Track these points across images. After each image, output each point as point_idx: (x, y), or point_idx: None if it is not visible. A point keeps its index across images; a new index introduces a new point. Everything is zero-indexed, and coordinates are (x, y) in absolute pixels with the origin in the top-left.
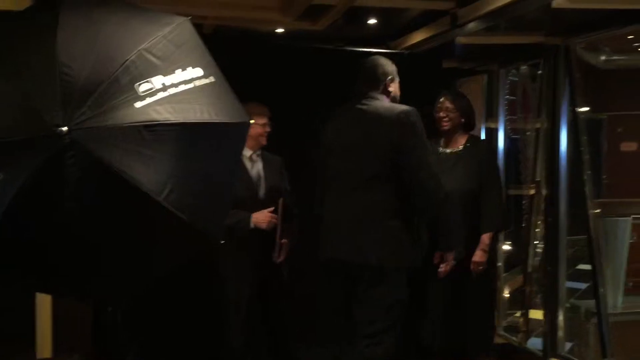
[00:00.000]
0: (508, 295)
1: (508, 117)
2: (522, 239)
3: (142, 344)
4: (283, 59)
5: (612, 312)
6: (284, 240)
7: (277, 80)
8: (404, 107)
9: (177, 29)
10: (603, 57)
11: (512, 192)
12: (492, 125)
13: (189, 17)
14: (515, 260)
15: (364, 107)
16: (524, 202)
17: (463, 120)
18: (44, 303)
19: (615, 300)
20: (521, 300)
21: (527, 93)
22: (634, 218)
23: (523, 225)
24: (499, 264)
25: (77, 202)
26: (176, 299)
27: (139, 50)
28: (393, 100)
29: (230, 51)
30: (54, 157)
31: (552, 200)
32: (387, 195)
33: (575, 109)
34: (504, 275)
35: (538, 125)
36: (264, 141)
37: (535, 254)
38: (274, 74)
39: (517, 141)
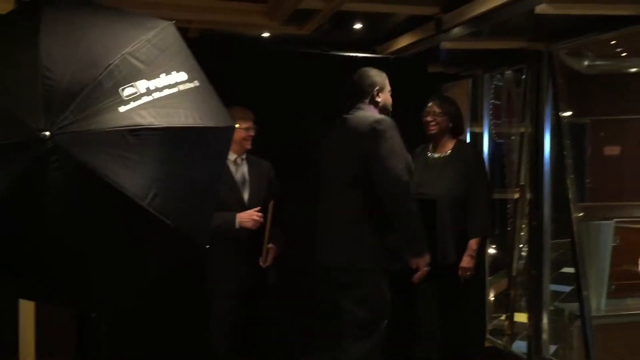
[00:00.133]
0: (493, 298)
1: (493, 122)
2: (506, 243)
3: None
4: (269, 63)
5: (596, 315)
6: (270, 245)
7: (263, 84)
8: (378, 116)
9: (161, 33)
10: (586, 63)
11: (496, 196)
12: (477, 130)
13: (174, 21)
14: (500, 264)
15: (349, 117)
16: (508, 206)
17: (451, 124)
18: (27, 308)
19: (599, 303)
20: (506, 304)
21: (512, 98)
22: (617, 221)
23: (508, 229)
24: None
25: (61, 207)
26: (160, 303)
27: (122, 54)
28: (382, 109)
29: (215, 55)
30: (37, 161)
31: (536, 204)
32: (358, 200)
33: (559, 113)
34: (489, 278)
35: (522, 130)
36: (248, 145)
37: (520, 257)
38: (260, 79)
39: (501, 145)
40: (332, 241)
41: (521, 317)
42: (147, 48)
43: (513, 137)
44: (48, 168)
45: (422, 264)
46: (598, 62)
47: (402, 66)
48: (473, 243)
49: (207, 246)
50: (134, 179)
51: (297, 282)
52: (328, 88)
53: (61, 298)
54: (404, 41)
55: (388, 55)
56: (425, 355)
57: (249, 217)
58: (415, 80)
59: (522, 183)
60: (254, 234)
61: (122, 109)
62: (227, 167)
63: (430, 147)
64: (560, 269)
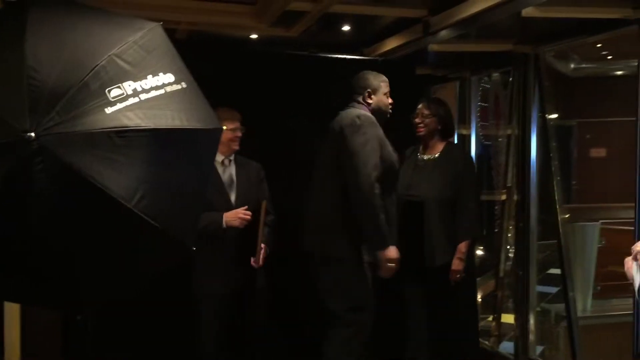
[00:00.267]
0: (480, 300)
1: (480, 124)
2: (494, 244)
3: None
4: (257, 65)
5: (582, 315)
6: (262, 245)
7: (251, 86)
8: (361, 112)
9: (148, 35)
10: (572, 65)
11: (484, 197)
12: (465, 132)
13: (161, 23)
14: (487, 265)
15: (339, 113)
16: (496, 207)
17: (440, 126)
18: (12, 309)
19: (585, 304)
20: (493, 305)
21: (499, 100)
22: (603, 223)
23: (495, 230)
24: None
25: (47, 208)
26: (147, 305)
27: (109, 55)
28: (375, 111)
29: (204, 57)
30: (22, 163)
31: (522, 206)
32: (336, 190)
33: (545, 115)
34: (476, 280)
35: (509, 132)
36: (235, 146)
37: (507, 258)
38: (248, 80)
39: (489, 147)
40: (311, 230)
41: (508, 318)
42: (134, 49)
43: (500, 139)
44: (33, 169)
45: (386, 258)
46: (584, 65)
47: (390, 68)
48: (462, 246)
49: (194, 248)
50: (120, 180)
51: (286, 282)
52: (316, 90)
53: (47, 300)
54: (392, 43)
55: (376, 57)
56: (413, 356)
57: (235, 215)
58: (403, 83)
59: (509, 185)
60: (242, 235)
61: (108, 110)
62: (215, 169)
63: (420, 148)
64: (547, 270)
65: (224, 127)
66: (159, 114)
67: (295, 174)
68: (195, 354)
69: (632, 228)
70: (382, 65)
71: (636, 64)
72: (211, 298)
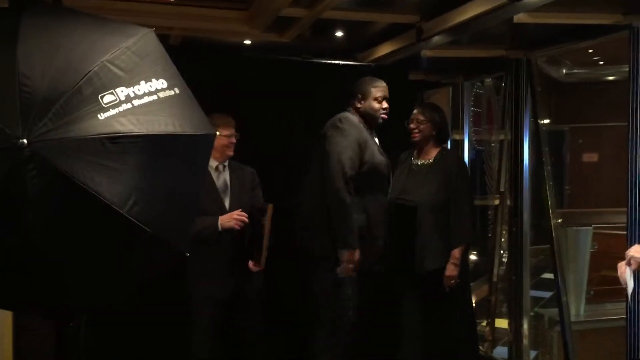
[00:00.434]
0: (474, 304)
1: (473, 129)
2: (487, 249)
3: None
4: (250, 70)
5: (575, 320)
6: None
7: (244, 91)
8: (343, 114)
9: (141, 41)
10: (564, 71)
11: (477, 202)
12: (458, 137)
13: (153, 29)
14: (481, 270)
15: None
16: (489, 212)
17: (435, 132)
18: (5, 316)
19: (578, 308)
20: (487, 310)
21: (492, 105)
22: (595, 227)
23: (489, 235)
24: None
25: (40, 215)
26: (141, 311)
27: (102, 61)
28: (364, 115)
29: (197, 62)
30: (15, 169)
31: (515, 211)
32: (321, 192)
33: (537, 120)
34: (470, 284)
35: (502, 137)
36: (230, 152)
37: (501, 263)
38: (241, 86)
39: (482, 152)
40: (301, 229)
41: (502, 323)
42: (126, 55)
43: (493, 144)
44: (26, 176)
45: (347, 259)
46: (576, 70)
47: (383, 74)
48: (456, 252)
49: (188, 254)
50: (113, 186)
51: (281, 287)
52: (309, 95)
53: (39, 307)
54: (385, 49)
55: (369, 63)
56: (407, 357)
57: (229, 217)
58: (396, 88)
59: (502, 190)
60: (238, 240)
61: (101, 116)
62: (209, 174)
63: (415, 153)
64: (540, 274)
65: (217, 133)
66: (152, 119)
67: (289, 179)
68: (189, 359)
69: (625, 232)
70: (375, 71)
71: (627, 69)
72: (206, 303)
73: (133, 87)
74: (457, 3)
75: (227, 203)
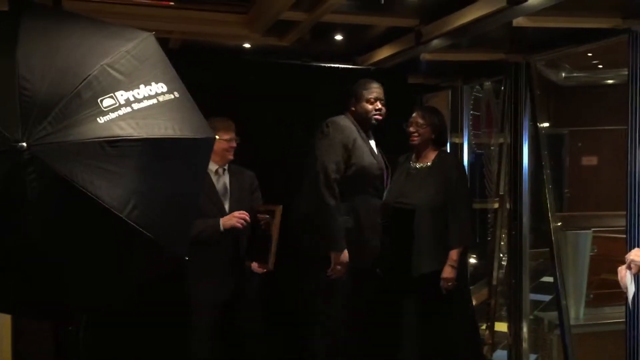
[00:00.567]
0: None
1: (472, 132)
2: (487, 253)
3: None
4: (250, 74)
5: (575, 323)
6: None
7: (244, 95)
8: (333, 118)
9: (140, 44)
10: (563, 74)
11: (477, 206)
12: (457, 140)
13: (153, 32)
14: (481, 274)
15: None
16: (489, 215)
17: (434, 135)
18: (4, 318)
19: (578, 312)
20: (487, 313)
21: (491, 109)
22: (595, 231)
23: (488, 238)
24: None
25: (39, 219)
26: (140, 314)
27: (101, 65)
28: (356, 116)
29: (197, 66)
30: (14, 173)
31: (515, 214)
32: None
33: (537, 124)
34: (469, 288)
35: (501, 140)
36: (230, 156)
37: (500, 266)
38: (241, 89)
39: (481, 156)
40: (301, 230)
41: (501, 327)
42: (126, 59)
43: (492, 148)
44: (25, 179)
45: (335, 261)
46: (575, 74)
47: (383, 77)
48: (454, 254)
49: (187, 258)
50: (112, 190)
51: (280, 289)
52: (309, 99)
53: (38, 309)
54: (384, 52)
55: (369, 67)
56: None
57: (230, 217)
58: (395, 91)
59: (501, 193)
60: (237, 242)
61: (100, 120)
62: (209, 178)
63: (413, 156)
64: (540, 278)
65: (217, 137)
66: (152, 123)
67: (289, 182)
68: None
69: (624, 236)
70: (374, 74)
71: (626, 72)
72: (206, 304)
73: (132, 90)
74: (457, 7)
75: (226, 206)
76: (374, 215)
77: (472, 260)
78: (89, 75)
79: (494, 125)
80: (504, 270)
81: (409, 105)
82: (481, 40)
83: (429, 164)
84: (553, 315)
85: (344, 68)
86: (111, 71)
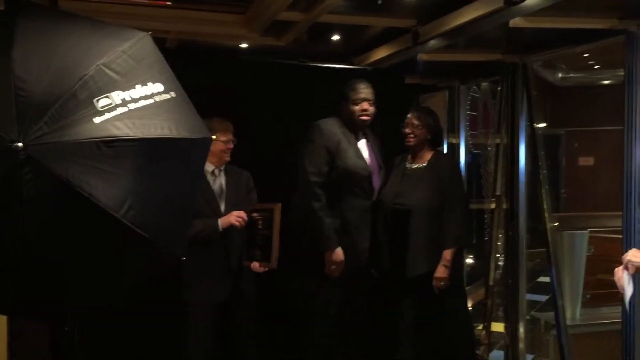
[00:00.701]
0: (470, 308)
1: (469, 133)
2: (483, 253)
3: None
4: (247, 74)
5: (571, 324)
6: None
7: (241, 95)
8: (320, 120)
9: (137, 44)
10: (560, 75)
11: (474, 206)
12: (454, 141)
13: (150, 32)
14: (477, 274)
15: None
16: (485, 216)
17: (429, 136)
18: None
19: (574, 312)
20: (483, 313)
21: (488, 109)
22: (591, 231)
23: (485, 239)
24: None
25: (35, 219)
26: (136, 314)
27: (97, 65)
28: (344, 118)
29: (194, 66)
30: (10, 173)
31: (511, 214)
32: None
33: (533, 124)
34: (466, 288)
35: (498, 141)
36: (227, 157)
37: (497, 267)
38: (238, 89)
39: (478, 156)
40: (301, 231)
41: (498, 327)
42: (122, 59)
43: (489, 148)
44: (21, 179)
45: (327, 260)
46: (572, 74)
47: (380, 77)
48: (447, 253)
49: (184, 258)
50: (108, 190)
51: (276, 290)
52: (306, 99)
53: (34, 310)
54: (381, 53)
55: (365, 67)
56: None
57: (228, 215)
58: (392, 91)
59: (498, 193)
60: (233, 244)
61: (97, 120)
62: (205, 178)
63: (409, 157)
64: (537, 278)
65: (213, 137)
66: (148, 123)
67: (286, 182)
68: None
69: (620, 236)
70: (371, 75)
71: (623, 73)
72: (203, 304)
73: (129, 90)
74: (453, 7)
75: (222, 207)
76: (362, 216)
77: (469, 261)
78: (85, 75)
79: (491, 126)
80: (500, 271)
81: (406, 106)
82: (478, 40)
83: (424, 164)
84: (549, 315)
85: (341, 68)
86: (107, 71)
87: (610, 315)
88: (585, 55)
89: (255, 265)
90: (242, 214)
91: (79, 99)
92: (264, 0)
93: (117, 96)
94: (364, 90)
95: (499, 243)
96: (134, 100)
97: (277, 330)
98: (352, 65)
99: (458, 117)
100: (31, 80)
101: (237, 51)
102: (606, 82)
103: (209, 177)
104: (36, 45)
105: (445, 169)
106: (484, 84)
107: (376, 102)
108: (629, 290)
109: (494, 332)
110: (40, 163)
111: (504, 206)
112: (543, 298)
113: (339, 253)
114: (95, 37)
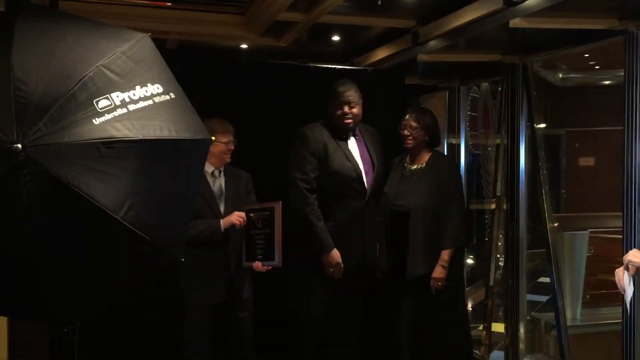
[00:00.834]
0: (470, 308)
1: (470, 133)
2: (484, 253)
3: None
4: (247, 74)
5: (572, 324)
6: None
7: (241, 96)
8: (308, 125)
9: (136, 45)
10: (560, 75)
11: (474, 207)
12: (455, 141)
13: (149, 33)
14: (477, 274)
15: None
16: (486, 216)
17: (427, 137)
18: (0, 321)
19: (575, 312)
20: (483, 314)
21: (488, 109)
22: (591, 231)
23: (485, 239)
24: None
25: (34, 220)
26: (135, 314)
27: (97, 66)
28: (331, 120)
29: (194, 67)
30: (9, 174)
31: (512, 215)
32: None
33: (533, 125)
34: (466, 289)
35: (498, 141)
36: (227, 158)
37: (497, 267)
38: (238, 90)
39: (479, 156)
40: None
41: (498, 327)
42: (122, 60)
43: (490, 148)
44: (20, 180)
45: (324, 262)
46: (572, 75)
47: (380, 78)
48: (445, 254)
49: (183, 259)
50: (107, 191)
51: (274, 291)
52: (306, 100)
53: (33, 310)
54: (381, 53)
55: (366, 67)
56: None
57: (229, 216)
58: (392, 92)
59: (498, 194)
60: (232, 245)
61: (96, 121)
62: (205, 179)
63: (407, 158)
64: (537, 278)
65: (213, 138)
66: (147, 124)
67: (285, 182)
68: None
69: (620, 236)
70: (371, 75)
71: (623, 73)
72: (200, 307)
73: (128, 91)
74: (453, 8)
75: (222, 208)
76: (354, 217)
77: (469, 261)
78: (85, 76)
79: (491, 126)
80: (501, 271)
81: (406, 106)
82: (478, 41)
83: (423, 165)
84: (550, 316)
85: (341, 69)
86: (107, 72)
87: (611, 315)
88: (585, 55)
89: (257, 265)
90: (242, 214)
91: (78, 100)
92: (264, 1)
93: (116, 97)
94: (347, 93)
95: (499, 243)
96: (133, 102)
97: (274, 331)
98: (353, 66)
99: (458, 117)
100: (30, 81)
101: (237, 52)
102: (606, 82)
103: (209, 178)
104: (36, 46)
105: (443, 170)
106: (484, 85)
107: (364, 102)
108: (629, 291)
109: (494, 332)
110: (40, 164)
111: (504, 207)
112: (543, 298)
113: (335, 254)
114: (94, 38)
